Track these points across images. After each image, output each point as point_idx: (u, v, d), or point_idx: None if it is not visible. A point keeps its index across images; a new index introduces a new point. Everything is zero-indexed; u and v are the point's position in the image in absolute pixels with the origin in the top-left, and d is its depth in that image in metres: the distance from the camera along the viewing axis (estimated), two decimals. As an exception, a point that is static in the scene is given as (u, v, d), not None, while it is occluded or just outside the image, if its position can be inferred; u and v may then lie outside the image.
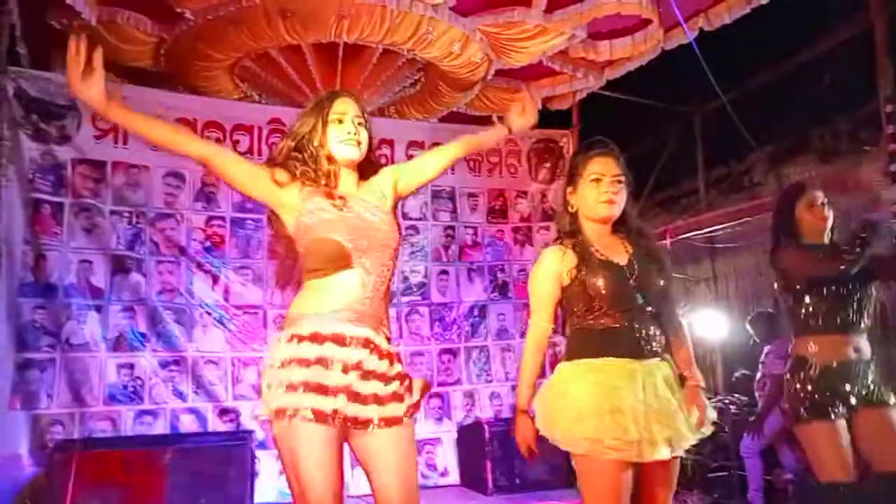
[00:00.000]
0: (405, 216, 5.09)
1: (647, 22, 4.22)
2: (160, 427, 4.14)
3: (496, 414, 5.00)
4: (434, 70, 4.89)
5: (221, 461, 3.75)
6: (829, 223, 2.35)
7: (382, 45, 4.42)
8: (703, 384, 1.93)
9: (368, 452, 1.69)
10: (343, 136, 1.77)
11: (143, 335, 4.22)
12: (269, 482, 4.06)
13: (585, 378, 1.80)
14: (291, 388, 1.60)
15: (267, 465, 4.10)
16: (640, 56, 4.57)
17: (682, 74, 4.98)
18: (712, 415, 1.88)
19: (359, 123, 1.81)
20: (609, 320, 1.81)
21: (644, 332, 1.82)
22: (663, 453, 1.71)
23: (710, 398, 4.47)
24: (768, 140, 4.96)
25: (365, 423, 1.64)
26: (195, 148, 1.77)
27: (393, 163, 5.06)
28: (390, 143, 5.08)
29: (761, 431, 4.03)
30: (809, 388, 2.26)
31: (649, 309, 1.84)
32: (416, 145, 5.16)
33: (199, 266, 4.43)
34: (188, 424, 4.22)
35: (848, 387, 2.23)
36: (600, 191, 1.87)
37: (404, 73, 4.94)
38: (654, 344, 1.83)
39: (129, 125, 1.78)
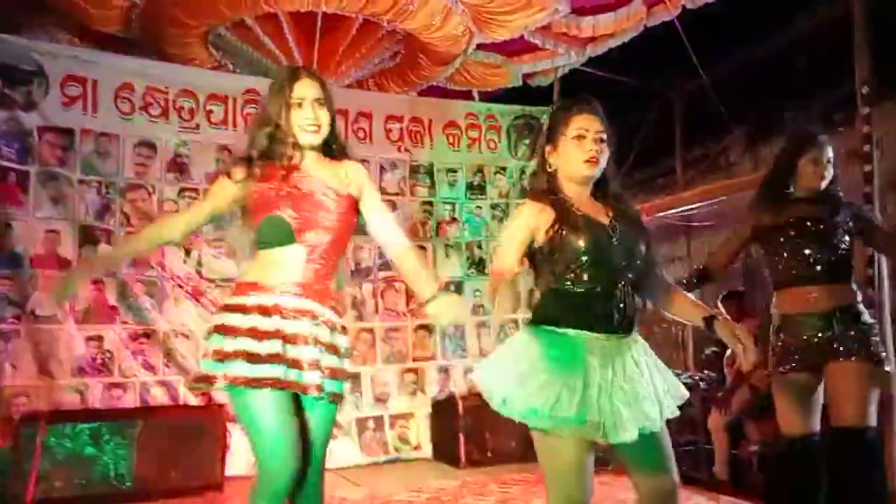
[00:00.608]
0: (382, 191, 5.05)
1: (630, -1, 4.20)
2: (130, 400, 4.10)
3: (470, 389, 5.04)
4: (414, 42, 4.81)
5: (193, 435, 3.73)
6: (825, 182, 2.34)
7: (362, 15, 4.33)
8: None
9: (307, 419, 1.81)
10: (303, 121, 1.83)
11: (112, 308, 4.16)
12: (240, 456, 4.05)
13: (551, 350, 1.69)
14: (227, 355, 1.70)
15: (239, 439, 4.09)
16: (623, 33, 4.54)
17: (663, 53, 4.97)
18: (684, 392, 1.81)
19: (319, 106, 1.84)
20: (587, 284, 1.69)
21: (623, 299, 1.71)
22: (628, 435, 1.63)
23: (679, 374, 4.54)
24: (745, 120, 4.98)
25: (314, 389, 1.74)
26: (183, 227, 1.90)
27: (371, 136, 5.07)
28: (368, 116, 5.02)
29: (729, 407, 4.12)
30: (773, 342, 2.33)
31: (630, 275, 1.74)
32: (394, 119, 5.10)
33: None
34: (159, 397, 4.18)
35: (808, 339, 2.25)
36: (584, 149, 1.74)
37: (384, 45, 4.86)
38: (629, 314, 1.73)
39: (117, 264, 2.03)
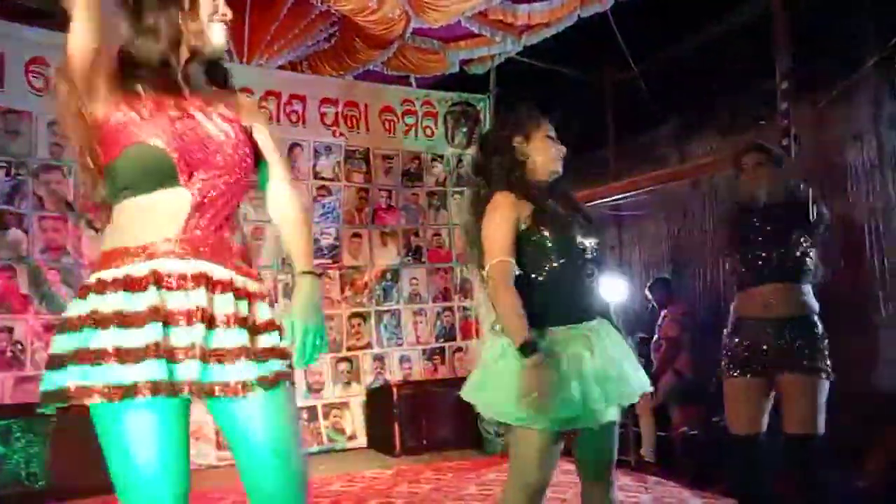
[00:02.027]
0: (316, 175, 4.94)
1: (565, -12, 4.24)
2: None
3: (405, 377, 5.03)
4: (350, 25, 4.71)
5: (113, 429, 3.55)
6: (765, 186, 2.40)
7: (294, -6, 4.20)
8: None
9: (237, 422, 1.30)
10: (211, 9, 1.37)
11: (24, 296, 3.90)
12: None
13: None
14: (92, 357, 1.20)
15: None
16: (558, 22, 4.58)
17: (597, 45, 5.05)
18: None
19: None
20: (560, 277, 1.77)
21: (592, 289, 1.82)
22: (605, 418, 1.71)
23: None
24: (674, 113, 5.13)
25: (231, 389, 1.26)
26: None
27: (305, 119, 4.94)
28: (302, 99, 4.89)
29: (655, 391, 4.26)
30: (729, 343, 2.37)
31: (595, 265, 1.84)
32: (329, 102, 4.99)
33: (89, 223, 4.12)
34: (76, 391, 3.96)
35: (764, 345, 2.29)
36: (557, 147, 1.90)
37: (318, 25, 4.73)
38: (598, 302, 1.84)
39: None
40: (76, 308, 1.27)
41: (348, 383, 4.91)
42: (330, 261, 4.96)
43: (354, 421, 4.84)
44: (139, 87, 1.30)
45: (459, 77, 5.42)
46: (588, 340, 1.75)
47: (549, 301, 1.77)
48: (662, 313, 4.55)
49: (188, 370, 1.22)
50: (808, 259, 2.34)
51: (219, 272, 1.31)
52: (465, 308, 5.39)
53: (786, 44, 3.66)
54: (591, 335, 1.76)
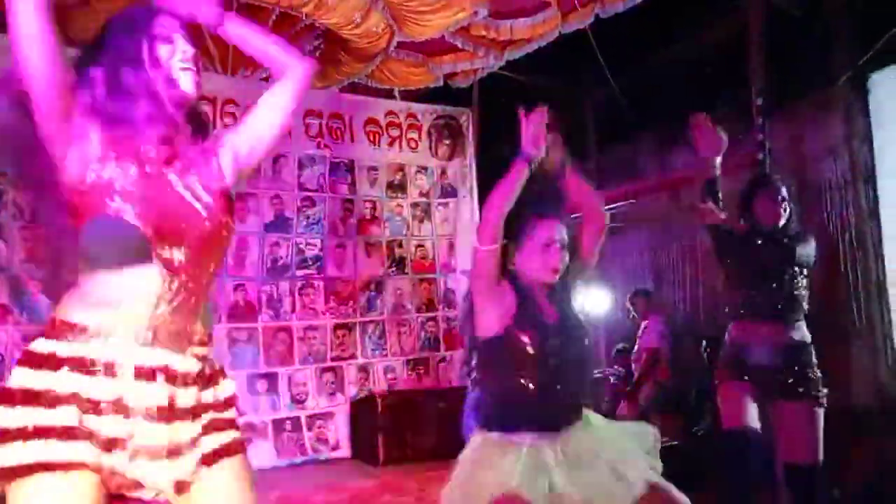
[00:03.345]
0: (301, 186, 4.96)
1: (547, 5, 4.30)
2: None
3: (390, 387, 5.03)
4: (334, 38, 4.74)
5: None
6: (783, 219, 2.42)
7: (279, 7, 4.23)
8: None
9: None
10: (180, 61, 1.27)
11: (3, 306, 3.87)
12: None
13: (503, 461, 1.68)
14: (31, 433, 1.10)
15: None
16: (540, 38, 4.65)
17: (579, 60, 5.13)
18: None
19: (189, 43, 1.30)
20: (537, 383, 1.72)
21: (570, 396, 1.77)
22: None
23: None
24: (654, 126, 5.23)
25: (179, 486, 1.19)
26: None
27: (289, 132, 4.96)
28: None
29: (636, 400, 4.32)
30: (728, 360, 2.44)
31: (575, 374, 1.79)
32: (313, 114, 5.02)
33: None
34: (58, 403, 3.92)
35: (758, 369, 2.34)
36: (550, 256, 1.79)
37: (302, 39, 4.76)
38: (576, 406, 1.79)
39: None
40: (23, 378, 1.15)
41: (332, 394, 4.90)
42: (314, 271, 4.97)
43: (338, 431, 4.84)
44: (113, 150, 1.20)
45: (443, 90, 5.48)
46: (563, 447, 1.70)
47: (526, 410, 1.73)
48: (643, 324, 4.62)
49: (154, 467, 1.16)
50: (801, 297, 2.39)
51: (177, 362, 1.22)
52: (449, 318, 5.42)
53: (760, 60, 3.76)
54: (567, 440, 1.71)
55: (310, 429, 4.75)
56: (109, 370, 1.15)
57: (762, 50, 3.75)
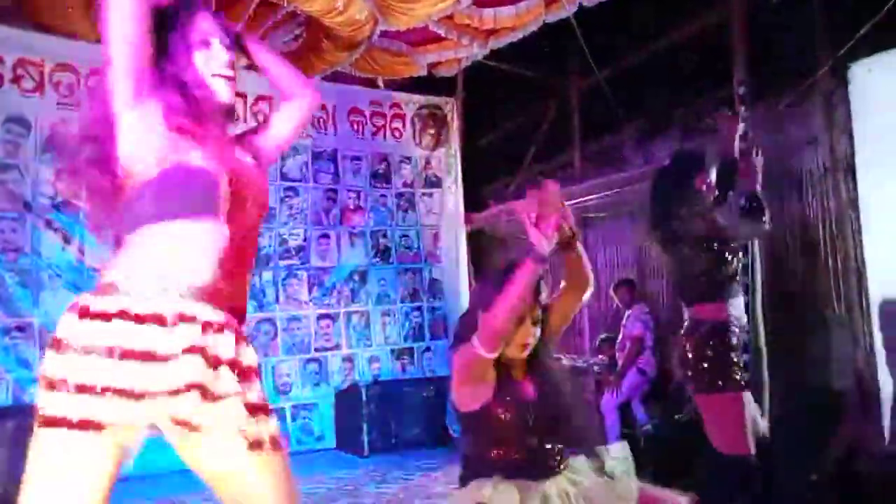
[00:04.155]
0: (283, 176, 4.92)
1: (530, -7, 4.29)
2: (2, 398, 3.78)
3: (375, 377, 5.03)
4: (317, 26, 4.69)
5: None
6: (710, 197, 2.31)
7: (260, -7, 4.17)
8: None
9: (231, 486, 1.23)
10: (217, 67, 1.33)
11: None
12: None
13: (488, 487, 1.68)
14: (85, 388, 1.12)
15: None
16: (523, 26, 4.63)
17: (563, 49, 5.12)
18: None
19: (227, 49, 1.36)
20: (508, 452, 1.72)
21: (549, 461, 1.76)
22: None
23: (574, 359, 4.72)
24: (638, 117, 5.24)
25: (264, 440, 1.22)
26: None
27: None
28: (268, 100, 4.87)
29: (620, 389, 4.36)
30: (722, 356, 2.16)
31: (557, 441, 1.77)
32: (296, 103, 4.97)
33: (48, 224, 4.03)
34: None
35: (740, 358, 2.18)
36: (523, 333, 1.76)
37: (285, 26, 4.70)
38: (557, 465, 1.77)
39: None
40: (72, 328, 1.17)
41: (317, 384, 4.89)
42: (297, 261, 4.94)
43: (323, 422, 4.83)
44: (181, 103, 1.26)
45: (427, 79, 5.45)
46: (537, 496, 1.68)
47: (502, 472, 1.71)
48: (627, 313, 4.64)
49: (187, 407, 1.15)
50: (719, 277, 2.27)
51: (221, 318, 1.22)
52: (434, 308, 5.42)
53: (743, 50, 3.77)
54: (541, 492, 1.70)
55: (294, 419, 4.74)
56: (159, 321, 1.15)
57: (745, 40, 3.77)
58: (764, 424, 2.25)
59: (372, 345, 5.15)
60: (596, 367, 4.76)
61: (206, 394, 1.15)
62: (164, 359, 1.13)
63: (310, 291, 4.96)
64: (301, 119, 1.53)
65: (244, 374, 1.21)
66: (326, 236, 5.09)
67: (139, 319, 1.14)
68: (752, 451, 2.13)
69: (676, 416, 4.07)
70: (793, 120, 4.07)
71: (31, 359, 3.90)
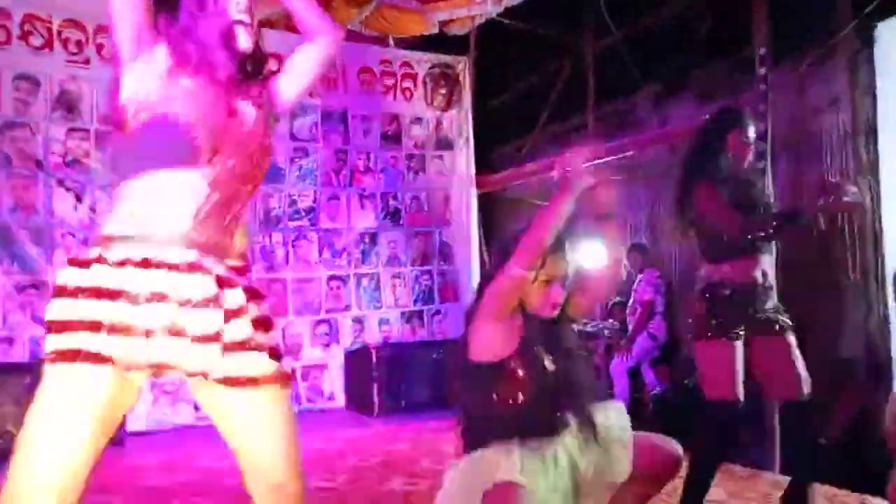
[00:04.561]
0: (293, 136, 4.87)
1: (547, -53, 4.16)
2: (18, 354, 3.84)
3: (385, 339, 5.06)
4: (326, -19, 4.59)
5: (90, 389, 3.54)
6: (750, 158, 2.36)
7: (269, -53, 4.06)
8: None
9: (227, 420, 1.31)
10: (233, 12, 1.34)
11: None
12: (140, 410, 3.90)
13: (493, 457, 1.65)
14: (73, 326, 1.17)
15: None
16: (539, -17, 4.51)
17: (578, 10, 4.98)
18: None
19: None
20: (518, 412, 1.69)
21: (560, 423, 1.73)
22: None
23: (586, 324, 4.71)
24: (654, 79, 5.12)
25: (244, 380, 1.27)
26: None
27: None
28: (278, 58, 4.77)
29: (630, 353, 4.36)
30: (716, 308, 2.27)
31: (569, 406, 1.74)
32: (305, 62, 4.89)
33: (60, 182, 4.03)
34: (51, 352, 3.93)
35: (751, 309, 2.25)
36: (550, 292, 1.73)
37: (294, -19, 4.60)
38: (564, 425, 1.75)
39: None
40: (69, 276, 1.22)
41: (327, 345, 4.93)
42: (307, 223, 4.93)
43: (333, 382, 4.88)
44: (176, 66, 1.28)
45: (439, 38, 5.33)
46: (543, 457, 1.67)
47: (514, 434, 1.69)
48: (638, 278, 4.62)
49: (204, 353, 1.21)
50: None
51: (219, 269, 1.27)
52: (443, 272, 5.42)
53: (763, 9, 3.65)
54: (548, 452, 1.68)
55: (304, 379, 4.79)
56: (149, 265, 1.20)
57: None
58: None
59: (382, 307, 5.16)
60: (606, 332, 4.76)
61: (175, 333, 1.19)
62: (138, 300, 1.19)
63: (320, 253, 4.96)
64: (324, 58, 1.50)
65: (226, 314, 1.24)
66: (336, 198, 5.06)
67: (121, 265, 1.20)
68: (739, 397, 2.23)
69: (686, 381, 4.08)
70: (814, 81, 3.96)
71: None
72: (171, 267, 1.21)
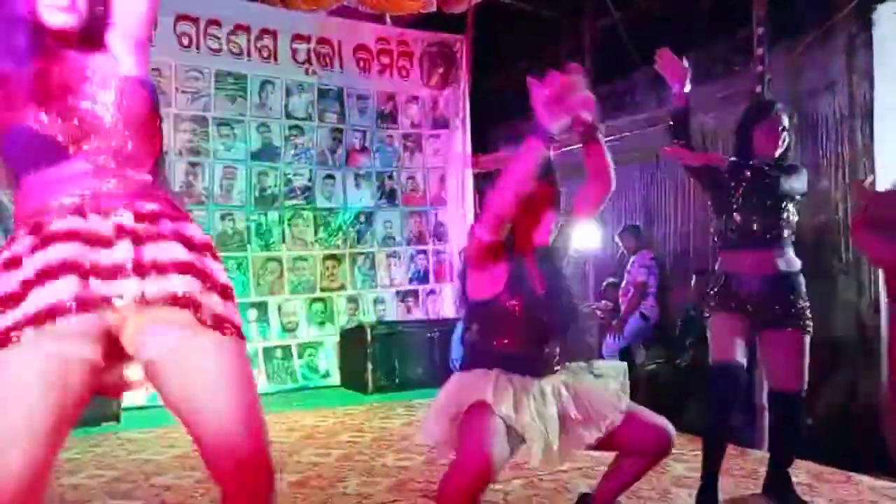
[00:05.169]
0: (288, 115, 4.85)
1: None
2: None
3: (379, 318, 5.08)
4: (323, -44, 4.54)
5: (86, 365, 3.56)
6: (781, 149, 2.35)
7: (264, -80, 4.02)
8: None
9: (156, 364, 1.16)
10: None
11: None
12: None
13: (479, 382, 1.70)
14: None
15: (135, 369, 3.95)
16: (537, -39, 4.47)
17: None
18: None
19: None
20: (517, 341, 1.73)
21: (552, 354, 1.78)
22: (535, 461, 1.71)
23: (579, 304, 4.74)
24: (652, 60, 5.10)
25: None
26: None
27: (276, 55, 4.80)
28: (273, 34, 4.76)
29: (622, 334, 4.39)
30: (717, 289, 2.37)
31: (561, 331, 1.79)
32: (301, 38, 4.86)
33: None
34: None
35: (749, 294, 2.30)
36: (547, 218, 1.77)
37: (289, -44, 4.55)
38: (556, 361, 1.81)
39: None
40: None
41: (322, 323, 4.95)
42: (303, 202, 4.92)
43: (328, 360, 4.91)
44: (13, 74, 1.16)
45: (436, 16, 5.28)
46: (529, 389, 1.71)
47: (504, 361, 1.73)
48: (631, 259, 4.64)
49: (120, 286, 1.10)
50: (787, 226, 2.36)
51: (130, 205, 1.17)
52: (439, 252, 5.43)
53: (763, -11, 3.63)
54: (534, 387, 1.72)
55: (300, 356, 4.82)
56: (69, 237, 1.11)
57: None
58: None
59: (377, 286, 5.18)
60: (599, 312, 4.79)
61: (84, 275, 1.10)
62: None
63: (315, 232, 4.96)
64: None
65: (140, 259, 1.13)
66: (332, 177, 5.05)
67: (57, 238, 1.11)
68: (740, 361, 2.29)
69: (678, 361, 4.12)
70: (812, 63, 3.95)
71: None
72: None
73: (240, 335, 1.19)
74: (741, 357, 2.30)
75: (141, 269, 1.12)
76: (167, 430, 3.47)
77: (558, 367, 1.81)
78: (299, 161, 4.90)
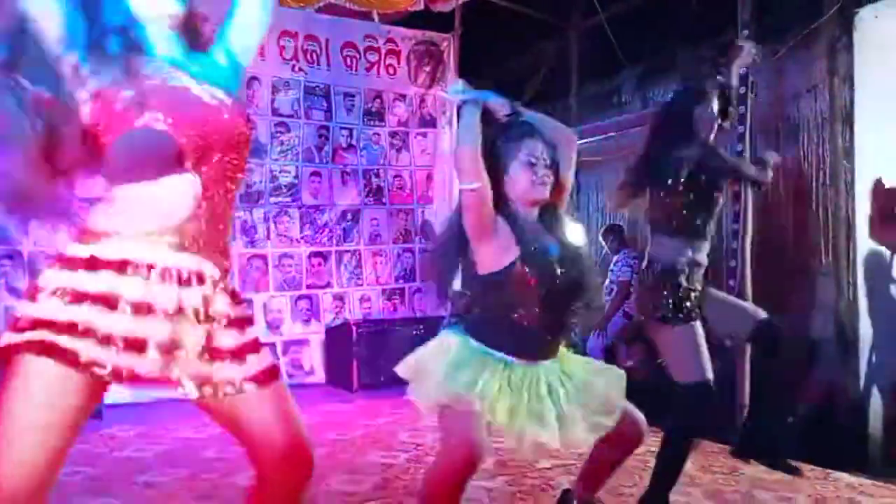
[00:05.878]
0: (274, 112, 4.83)
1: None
2: (-7, 326, 3.81)
3: (365, 316, 5.08)
4: (310, -47, 4.53)
5: (68, 362, 3.53)
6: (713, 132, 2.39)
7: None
8: None
9: (239, 412, 1.25)
10: None
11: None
12: (123, 383, 3.91)
13: (472, 369, 1.71)
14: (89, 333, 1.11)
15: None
16: (525, -39, 4.48)
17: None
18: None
19: None
20: (528, 316, 1.72)
21: (559, 331, 1.78)
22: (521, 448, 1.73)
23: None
24: (638, 60, 5.13)
25: (231, 384, 1.21)
26: None
27: (263, 52, 4.77)
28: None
29: (606, 332, 4.43)
30: (670, 290, 2.24)
31: (570, 308, 1.77)
32: (288, 35, 4.84)
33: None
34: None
35: (691, 290, 2.24)
36: (535, 173, 1.76)
37: (277, -48, 4.53)
38: (560, 343, 1.81)
39: None
40: (56, 278, 1.16)
41: (307, 321, 4.94)
42: (289, 199, 4.91)
43: (313, 357, 4.90)
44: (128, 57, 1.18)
45: (424, 14, 5.29)
46: (528, 375, 1.71)
47: (510, 336, 1.74)
48: (615, 258, 4.68)
49: (185, 364, 1.17)
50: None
51: (210, 269, 1.23)
52: (425, 250, 5.43)
53: (748, -7, 3.67)
54: (533, 371, 1.72)
55: (285, 354, 4.81)
56: (142, 270, 1.15)
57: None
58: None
59: (363, 284, 5.17)
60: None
61: (170, 348, 1.15)
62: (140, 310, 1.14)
63: (301, 229, 4.94)
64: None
65: (210, 320, 1.21)
66: (318, 174, 5.04)
67: (119, 269, 1.15)
68: (709, 376, 2.21)
69: (659, 361, 4.16)
70: (794, 66, 4.00)
71: (20, 287, 3.91)
72: (168, 274, 1.17)
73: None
74: (709, 370, 2.24)
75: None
76: (150, 427, 3.45)
77: (556, 355, 1.79)
78: (285, 158, 4.89)
